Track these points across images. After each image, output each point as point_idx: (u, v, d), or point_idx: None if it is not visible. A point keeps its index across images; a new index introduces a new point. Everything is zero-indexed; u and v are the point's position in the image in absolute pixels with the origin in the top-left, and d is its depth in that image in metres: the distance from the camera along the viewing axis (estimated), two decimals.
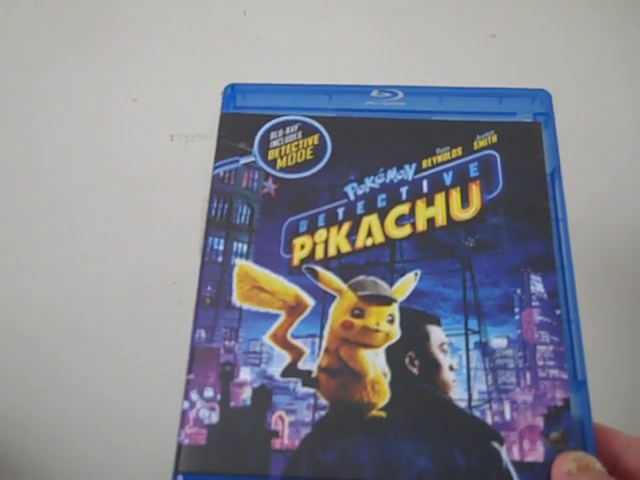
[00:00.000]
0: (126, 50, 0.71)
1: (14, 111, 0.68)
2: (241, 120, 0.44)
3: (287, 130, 0.44)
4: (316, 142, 0.43)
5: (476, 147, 0.43)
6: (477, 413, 0.36)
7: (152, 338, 0.56)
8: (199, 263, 0.40)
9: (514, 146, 0.42)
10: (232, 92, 0.45)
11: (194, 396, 0.36)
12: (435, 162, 0.42)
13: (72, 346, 0.57)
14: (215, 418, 0.36)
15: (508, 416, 0.36)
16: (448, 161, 0.42)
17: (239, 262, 0.40)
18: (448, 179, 0.42)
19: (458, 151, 0.42)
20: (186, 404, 0.36)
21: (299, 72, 0.66)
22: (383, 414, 0.36)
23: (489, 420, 0.35)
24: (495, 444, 0.35)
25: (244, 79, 0.46)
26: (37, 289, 0.59)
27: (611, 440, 0.36)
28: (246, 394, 0.36)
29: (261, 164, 0.43)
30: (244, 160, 0.43)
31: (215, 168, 0.42)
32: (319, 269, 0.39)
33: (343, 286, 0.39)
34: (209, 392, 0.36)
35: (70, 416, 0.54)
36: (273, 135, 0.43)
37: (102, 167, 0.64)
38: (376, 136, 0.43)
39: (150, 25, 0.73)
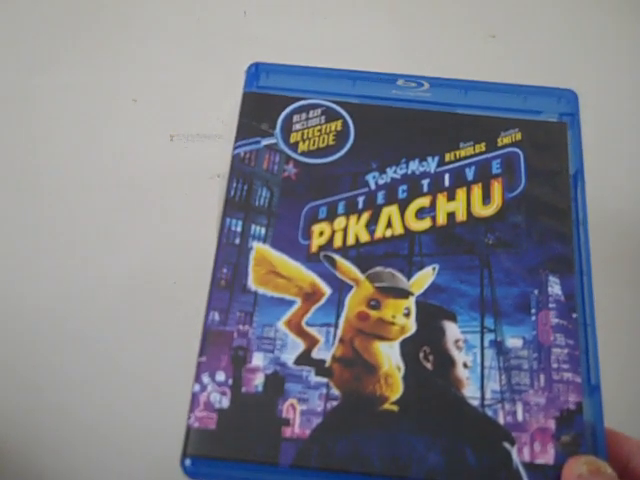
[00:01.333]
0: (126, 50, 0.71)
1: (14, 111, 0.67)
2: (264, 100, 0.44)
3: (310, 114, 0.43)
4: (339, 128, 0.43)
5: (500, 144, 0.42)
6: (489, 412, 0.36)
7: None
8: (215, 244, 0.39)
9: (538, 145, 0.42)
10: (256, 71, 0.45)
11: (205, 379, 0.36)
12: (458, 156, 0.42)
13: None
14: (226, 403, 0.35)
15: (520, 417, 0.35)
16: (471, 156, 0.42)
17: (257, 245, 0.39)
18: (470, 174, 0.41)
19: (481, 147, 0.42)
20: (197, 387, 0.36)
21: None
22: (395, 408, 0.35)
23: (501, 420, 0.35)
24: (506, 444, 0.35)
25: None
26: (38, 288, 0.59)
27: (620, 444, 0.36)
28: (258, 380, 0.36)
29: (283, 147, 0.42)
30: (265, 141, 0.42)
31: (235, 148, 0.42)
32: (337, 257, 0.39)
33: (360, 276, 0.39)
34: (221, 376, 0.36)
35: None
36: (296, 118, 0.43)
37: (102, 167, 0.64)
38: (400, 126, 0.43)
39: (150, 25, 0.72)
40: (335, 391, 0.36)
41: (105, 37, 0.71)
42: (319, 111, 0.43)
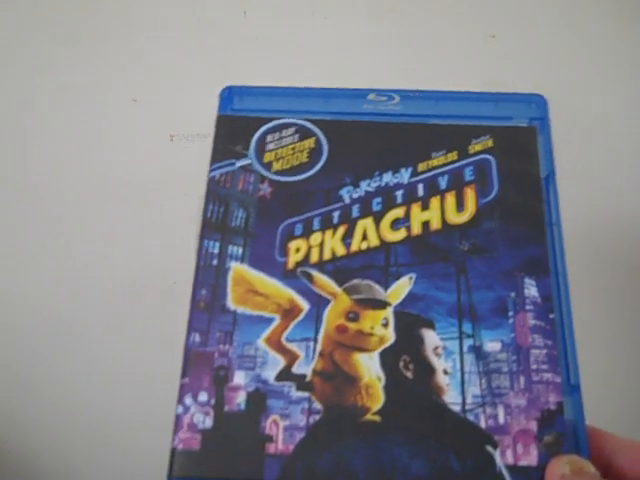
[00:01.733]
0: (126, 50, 0.71)
1: (13, 111, 0.68)
2: (238, 122, 0.44)
3: (283, 133, 0.44)
4: (312, 145, 0.43)
5: (471, 151, 0.43)
6: (471, 417, 0.36)
7: (146, 341, 0.56)
8: (194, 266, 0.40)
9: (509, 150, 0.42)
10: (229, 94, 0.45)
11: (188, 400, 0.36)
12: (431, 166, 0.42)
13: (64, 348, 0.57)
14: (209, 423, 0.36)
15: (502, 420, 0.36)
16: (443, 165, 0.42)
17: (234, 265, 0.40)
18: (443, 183, 0.42)
19: (454, 155, 0.43)
20: (180, 408, 0.36)
21: (298, 73, 0.66)
22: (377, 418, 0.36)
23: (483, 424, 0.35)
24: (489, 448, 0.35)
25: (243, 79, 0.46)
26: (33, 290, 0.59)
27: (603, 442, 0.36)
28: (240, 398, 0.36)
29: (257, 167, 0.43)
30: (240, 163, 0.43)
31: (211, 170, 0.43)
32: (314, 272, 0.39)
33: (338, 290, 0.39)
34: (203, 396, 0.36)
35: (63, 420, 0.55)
36: (269, 138, 0.43)
37: (102, 167, 0.64)
38: (372, 139, 0.43)
39: (150, 25, 0.73)
40: (317, 405, 0.36)
41: (105, 37, 0.72)
42: (292, 130, 0.44)
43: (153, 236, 0.61)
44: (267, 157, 0.43)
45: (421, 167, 0.42)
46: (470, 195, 0.41)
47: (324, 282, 0.39)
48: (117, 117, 0.67)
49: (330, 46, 0.71)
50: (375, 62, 0.70)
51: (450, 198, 0.41)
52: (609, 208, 0.61)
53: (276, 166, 0.43)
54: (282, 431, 0.35)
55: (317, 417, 0.36)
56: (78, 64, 0.70)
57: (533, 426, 0.35)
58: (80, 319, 0.58)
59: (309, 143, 0.43)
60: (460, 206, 0.41)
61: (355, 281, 0.39)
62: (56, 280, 0.60)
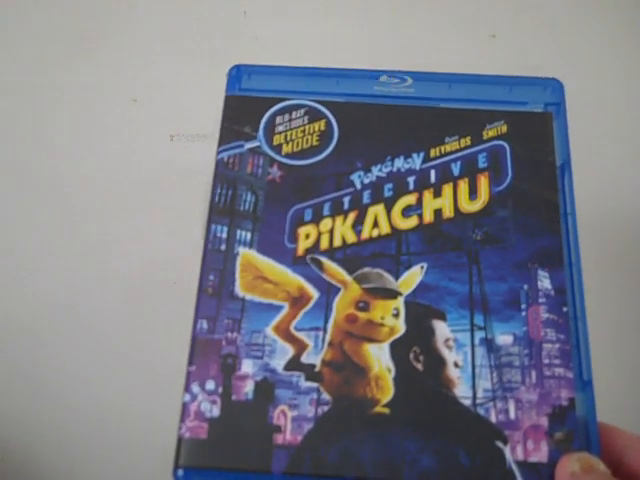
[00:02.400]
0: (126, 50, 0.70)
1: (13, 111, 0.67)
2: (246, 103, 0.43)
3: (293, 115, 0.43)
4: (322, 128, 0.42)
5: (485, 137, 0.42)
6: (481, 411, 0.35)
7: (153, 328, 0.56)
8: (201, 250, 0.39)
9: (524, 137, 0.42)
10: (237, 73, 0.44)
11: (195, 388, 0.36)
12: (443, 151, 0.41)
13: (69, 337, 0.57)
14: (216, 412, 0.35)
15: (512, 415, 0.35)
16: (457, 151, 0.41)
17: (242, 251, 0.39)
18: (456, 169, 0.41)
19: (467, 141, 0.42)
20: (187, 396, 0.36)
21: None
22: (387, 411, 0.35)
23: (493, 419, 0.35)
24: (499, 443, 0.35)
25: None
26: (37, 287, 0.59)
27: (614, 439, 0.35)
28: (248, 387, 0.36)
29: (266, 149, 0.42)
30: (249, 145, 0.42)
31: (219, 153, 0.42)
32: (324, 260, 0.39)
33: (348, 278, 0.38)
34: (210, 385, 0.36)
35: (70, 410, 0.54)
36: (279, 119, 0.43)
37: (102, 167, 0.64)
38: (384, 123, 0.42)
39: (150, 25, 0.72)
40: (326, 396, 0.36)
41: (105, 37, 0.71)
42: (302, 111, 0.43)
43: (155, 235, 0.60)
44: (276, 139, 0.42)
45: (433, 152, 0.41)
46: (483, 182, 0.41)
47: (334, 270, 0.38)
48: (117, 117, 0.66)
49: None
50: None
51: (463, 185, 0.41)
52: (626, 198, 0.60)
53: (286, 149, 0.42)
54: (290, 422, 0.35)
55: (326, 408, 0.35)
56: (78, 64, 0.69)
57: (544, 422, 0.35)
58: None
59: (319, 125, 0.42)
60: (473, 194, 0.40)
61: (366, 269, 0.39)
62: (57, 277, 0.59)
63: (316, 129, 0.42)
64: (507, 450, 0.34)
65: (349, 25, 0.71)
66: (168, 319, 0.52)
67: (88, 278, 0.59)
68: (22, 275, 0.60)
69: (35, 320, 0.58)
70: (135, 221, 0.61)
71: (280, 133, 0.42)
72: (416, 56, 0.67)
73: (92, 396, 0.54)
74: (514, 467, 0.34)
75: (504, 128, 0.42)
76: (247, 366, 0.36)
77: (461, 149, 0.41)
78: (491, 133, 0.42)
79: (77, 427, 0.54)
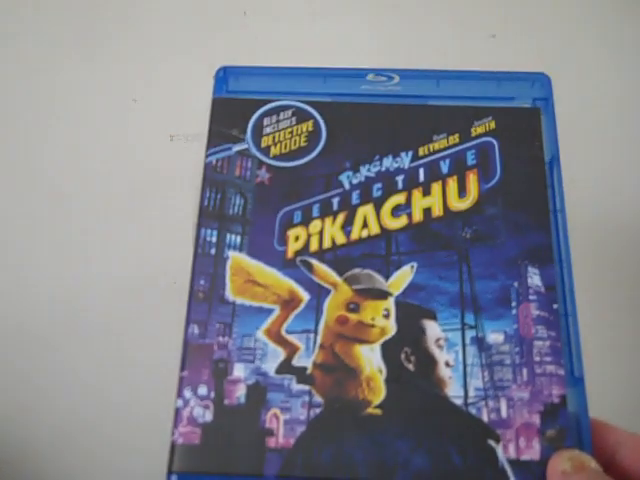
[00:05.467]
0: (126, 50, 0.70)
1: (14, 111, 0.67)
2: (233, 105, 0.43)
3: (281, 116, 0.42)
4: (310, 128, 0.42)
5: (474, 134, 0.42)
6: (473, 410, 0.35)
7: (145, 334, 0.56)
8: (192, 255, 0.39)
9: (512, 133, 0.41)
10: (224, 75, 0.44)
11: (188, 394, 0.36)
12: (432, 150, 0.41)
13: (66, 344, 0.57)
14: (209, 417, 0.35)
15: (504, 413, 0.35)
16: (445, 148, 0.41)
17: (232, 254, 0.39)
18: (445, 167, 0.41)
19: (455, 138, 0.42)
20: (180, 402, 0.36)
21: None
22: (379, 412, 0.35)
23: (485, 417, 0.35)
24: (491, 442, 0.35)
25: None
26: (34, 288, 0.59)
27: (607, 435, 0.35)
28: (240, 392, 0.36)
29: (254, 152, 0.42)
30: (237, 147, 0.42)
31: (207, 156, 0.42)
32: (314, 262, 0.39)
33: (338, 279, 0.38)
34: (203, 390, 0.36)
35: (63, 415, 0.54)
36: (266, 121, 0.42)
37: (102, 167, 0.64)
38: (372, 122, 0.42)
39: (150, 25, 0.72)
40: (317, 398, 0.36)
41: (105, 37, 0.71)
42: (289, 112, 0.43)
43: (153, 236, 0.60)
44: (264, 141, 0.42)
45: (422, 151, 0.41)
46: (472, 180, 0.40)
47: (324, 272, 0.38)
48: (117, 117, 0.66)
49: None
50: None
51: (452, 183, 0.40)
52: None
53: (274, 151, 0.42)
54: (282, 425, 0.35)
55: (318, 411, 0.35)
56: (78, 64, 0.69)
57: (536, 419, 0.35)
58: (79, 312, 0.58)
59: (307, 126, 0.42)
60: (462, 192, 0.40)
61: (356, 270, 0.39)
62: (54, 278, 0.59)
63: (304, 130, 0.42)
64: (499, 449, 0.34)
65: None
66: (160, 324, 0.52)
67: (82, 282, 0.59)
68: (17, 276, 0.60)
69: (26, 325, 0.58)
70: (134, 221, 0.61)
71: (268, 135, 0.42)
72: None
73: (85, 403, 0.54)
74: (506, 466, 0.34)
75: (492, 124, 0.42)
76: (239, 370, 0.36)
77: (450, 147, 0.41)
78: (479, 130, 0.42)
79: (69, 433, 0.54)
